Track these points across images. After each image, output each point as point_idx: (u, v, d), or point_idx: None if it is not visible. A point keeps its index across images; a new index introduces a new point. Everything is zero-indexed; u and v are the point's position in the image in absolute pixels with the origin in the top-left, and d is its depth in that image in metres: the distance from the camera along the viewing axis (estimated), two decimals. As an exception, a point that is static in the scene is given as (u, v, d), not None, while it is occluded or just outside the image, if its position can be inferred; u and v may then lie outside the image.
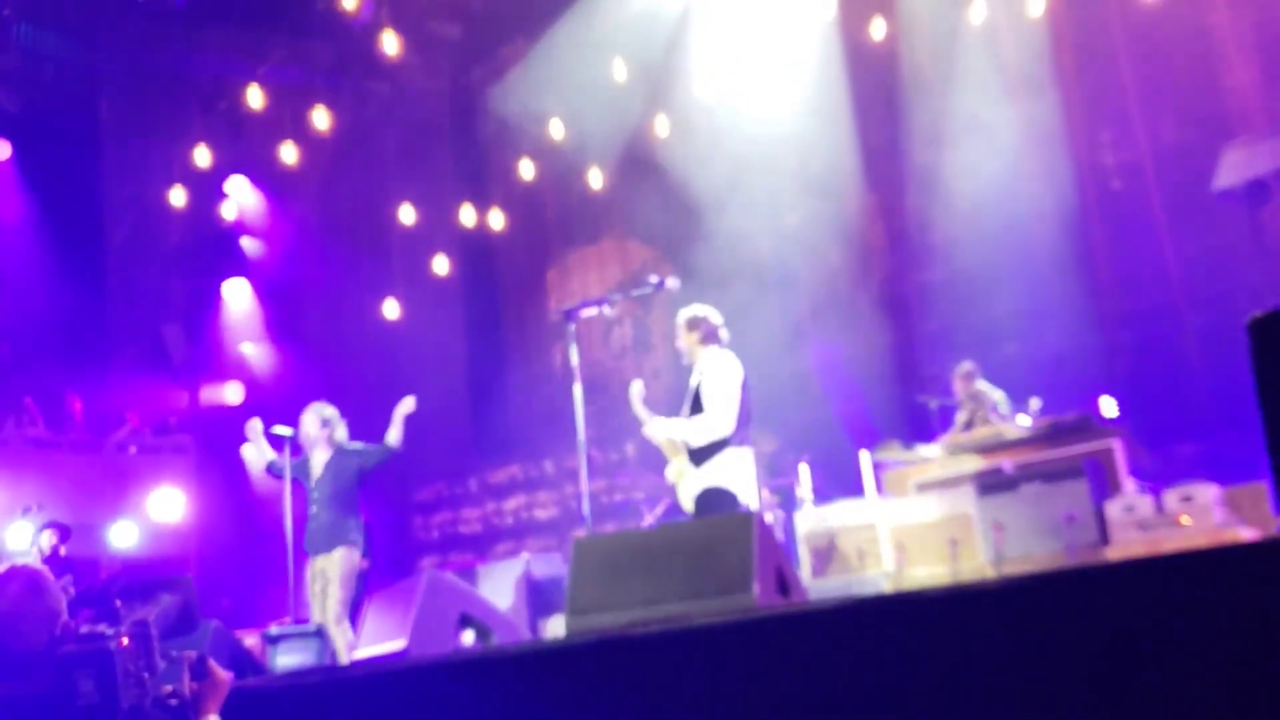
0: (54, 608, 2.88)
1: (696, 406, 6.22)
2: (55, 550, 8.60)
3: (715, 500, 6.04)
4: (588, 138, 12.75)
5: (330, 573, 7.35)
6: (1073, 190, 10.61)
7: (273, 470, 8.03)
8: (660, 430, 6.24)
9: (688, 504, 6.23)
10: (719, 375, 6.19)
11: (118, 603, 6.44)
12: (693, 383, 6.35)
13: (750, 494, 6.18)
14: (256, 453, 8.07)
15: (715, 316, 6.49)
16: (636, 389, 6.61)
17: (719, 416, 6.08)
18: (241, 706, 3.50)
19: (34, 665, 2.78)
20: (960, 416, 9.11)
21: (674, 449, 6.30)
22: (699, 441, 6.11)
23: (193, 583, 7.10)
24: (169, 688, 2.89)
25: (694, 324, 6.43)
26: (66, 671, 2.72)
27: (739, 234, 11.50)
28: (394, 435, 7.73)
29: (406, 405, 7.75)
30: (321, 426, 7.85)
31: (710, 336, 6.42)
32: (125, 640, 2.77)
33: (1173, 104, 10.40)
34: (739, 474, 6.14)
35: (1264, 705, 1.87)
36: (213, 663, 2.98)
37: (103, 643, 2.75)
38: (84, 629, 2.86)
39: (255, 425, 7.94)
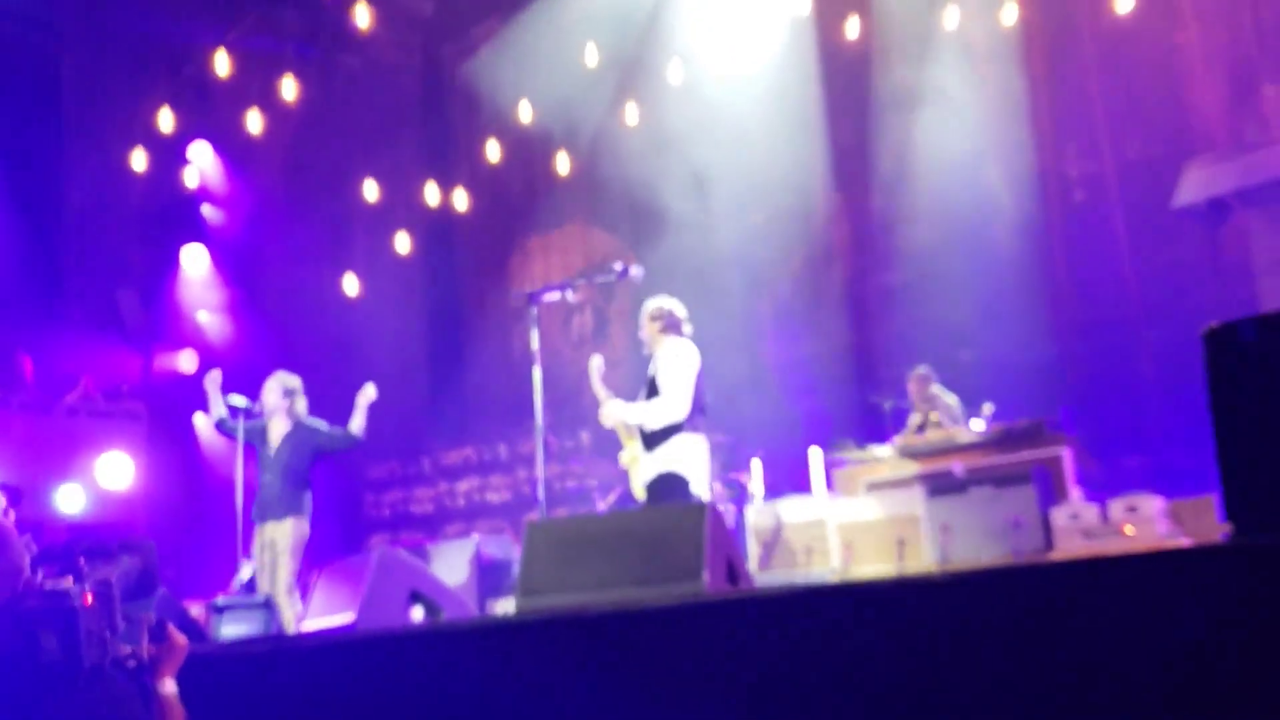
0: (16, 563, 2.87)
1: (653, 393, 6.28)
2: (4, 513, 8.50)
3: (668, 485, 6.09)
4: (556, 122, 12.71)
5: (280, 543, 7.33)
6: (1036, 200, 10.72)
7: (222, 428, 8.00)
8: (616, 412, 6.31)
9: (639, 489, 6.29)
10: (675, 361, 6.26)
11: (81, 561, 6.38)
12: (650, 371, 6.40)
13: (702, 481, 6.23)
14: (211, 406, 8.01)
15: (680, 310, 6.56)
16: (596, 364, 6.71)
17: (674, 401, 6.13)
18: (190, 672, 3.48)
19: None
20: (913, 419, 9.19)
21: (628, 433, 6.36)
22: (653, 425, 6.16)
23: (154, 547, 7.05)
24: (128, 649, 2.89)
25: (658, 314, 6.50)
26: (29, 627, 2.71)
27: (703, 227, 11.52)
28: (357, 423, 7.72)
29: (368, 393, 7.73)
30: (283, 396, 7.83)
31: (672, 327, 6.49)
32: (89, 598, 2.76)
33: (1138, 119, 10.52)
34: (692, 460, 6.19)
35: (1195, 701, 1.91)
36: (171, 626, 2.97)
37: (66, 600, 2.75)
38: (48, 585, 2.84)
39: (215, 377, 7.91)
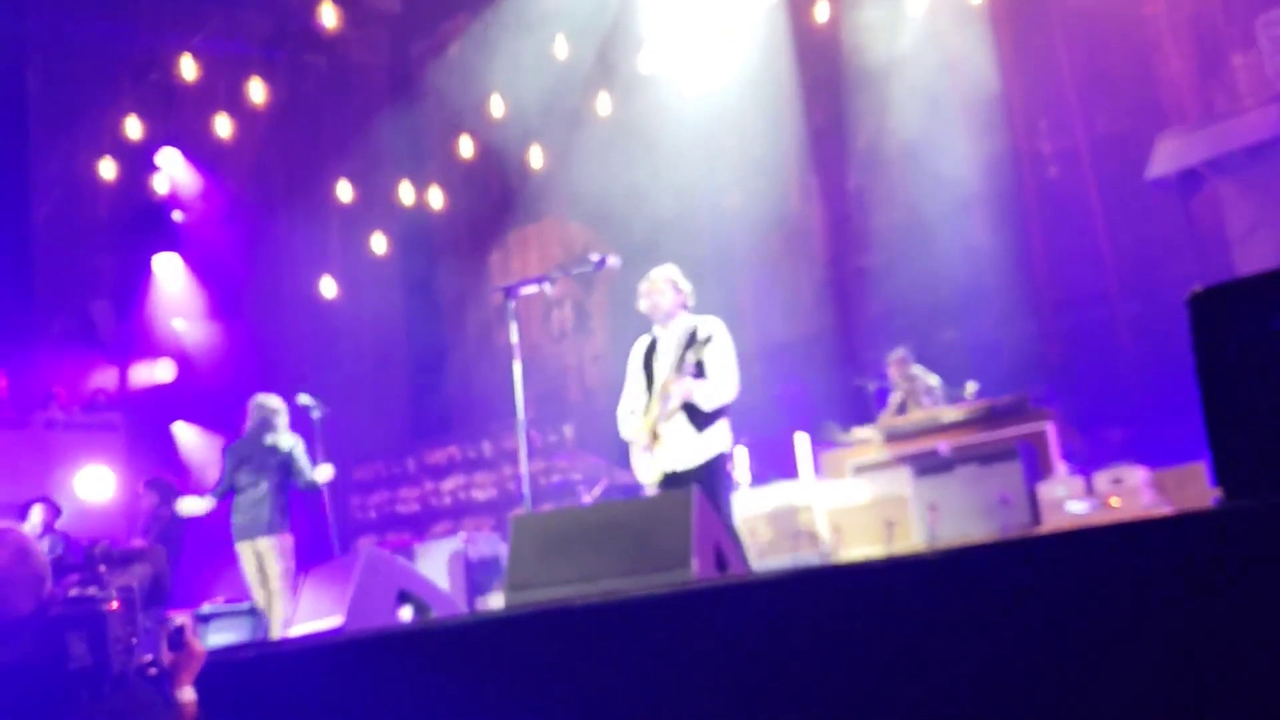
0: (40, 572, 2.88)
1: (691, 370, 6.03)
2: (49, 526, 8.90)
3: (720, 467, 5.99)
4: (528, 116, 12.66)
5: (266, 555, 7.32)
6: (1010, 177, 10.74)
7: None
8: (690, 387, 5.96)
9: (660, 471, 6.01)
10: (726, 341, 6.09)
11: (102, 568, 6.37)
12: (675, 345, 6.11)
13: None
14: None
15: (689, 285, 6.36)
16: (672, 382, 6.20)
17: (730, 381, 5.99)
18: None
19: (23, 630, 2.77)
20: (894, 399, 9.20)
21: (667, 414, 6.07)
22: (712, 404, 5.96)
23: (165, 553, 7.03)
24: (148, 657, 2.90)
25: (678, 285, 6.28)
26: (58, 634, 2.73)
27: (679, 213, 11.50)
28: (324, 474, 7.74)
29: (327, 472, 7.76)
30: (273, 415, 7.85)
31: (686, 304, 6.29)
32: (115, 604, 2.76)
33: (1109, 93, 10.56)
34: (731, 442, 6.14)
35: (1189, 669, 1.89)
36: (189, 634, 2.96)
37: (94, 605, 2.76)
38: (73, 592, 2.85)
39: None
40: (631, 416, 6.22)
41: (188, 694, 2.95)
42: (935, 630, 2.20)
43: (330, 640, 3.21)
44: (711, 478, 5.85)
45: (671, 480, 5.99)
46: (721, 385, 5.95)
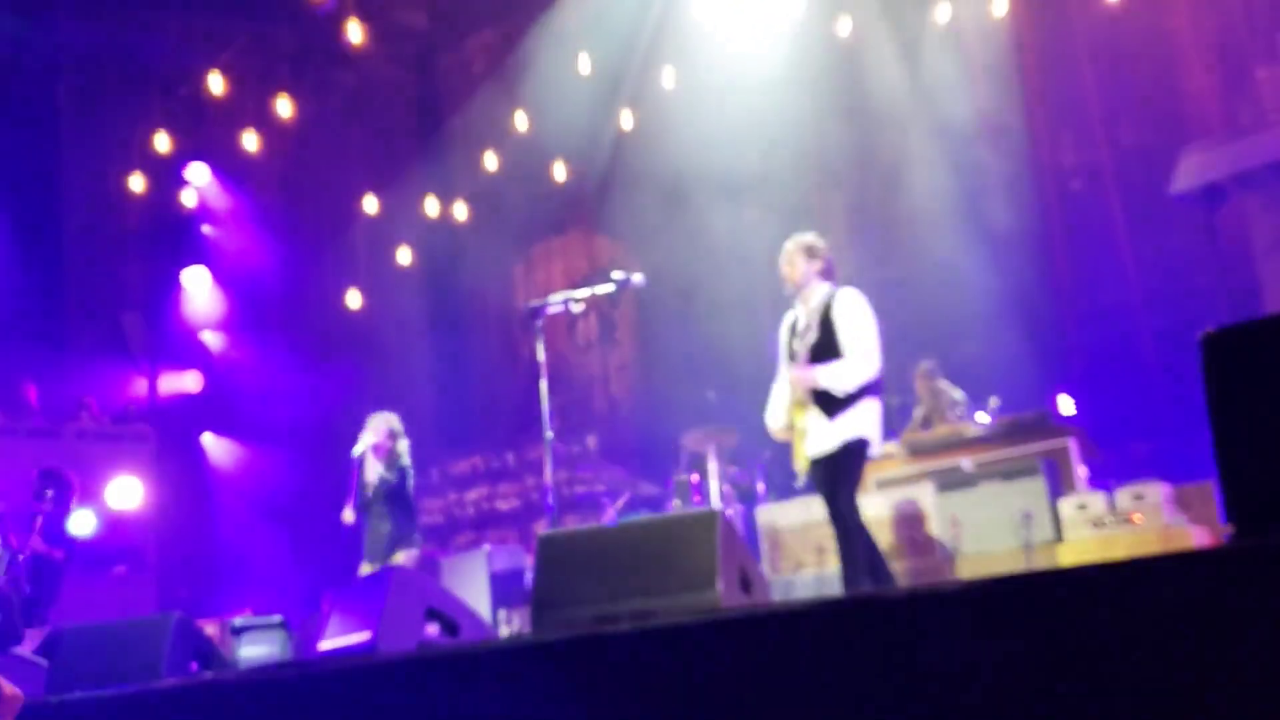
0: None
1: (824, 348, 5.62)
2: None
3: (857, 453, 5.52)
4: (552, 130, 12.75)
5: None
6: (1034, 190, 10.75)
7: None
8: (816, 376, 5.57)
9: (805, 461, 5.65)
10: (861, 312, 5.62)
11: None
12: (813, 322, 5.72)
13: (879, 443, 5.71)
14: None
15: (830, 251, 5.86)
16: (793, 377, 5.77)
17: (867, 357, 5.54)
18: (208, 700, 3.52)
19: None
20: (918, 413, 9.18)
21: (799, 404, 5.65)
22: (846, 387, 5.51)
23: (14, 600, 6.94)
24: None
25: (814, 251, 5.79)
26: None
27: (701, 227, 11.55)
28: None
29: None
30: (389, 438, 7.99)
31: (829, 273, 5.80)
32: None
33: (1132, 107, 10.57)
34: (874, 423, 5.63)
35: (1207, 710, 1.94)
36: (1, 679, 2.80)
37: None
38: None
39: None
40: (775, 405, 5.85)
41: None
42: (959, 661, 2.25)
43: (361, 659, 3.28)
44: (836, 466, 5.49)
45: (814, 470, 5.64)
46: (851, 365, 5.51)
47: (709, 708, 2.49)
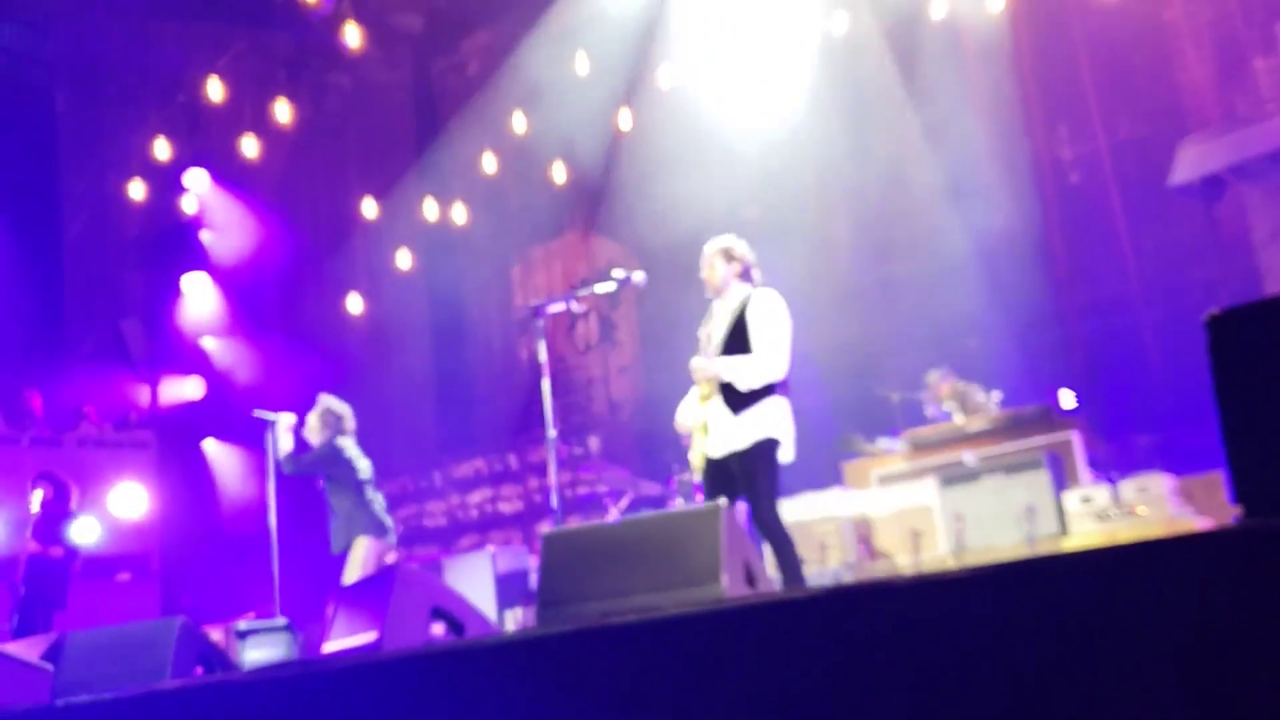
0: None
1: (735, 345, 5.63)
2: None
3: (767, 452, 5.49)
4: (550, 131, 12.75)
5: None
6: (1031, 184, 10.75)
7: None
8: (710, 367, 5.60)
9: (723, 450, 5.61)
10: (774, 313, 5.64)
11: None
12: (726, 319, 5.76)
13: (790, 447, 5.66)
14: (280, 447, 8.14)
15: (750, 254, 5.91)
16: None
17: (775, 357, 5.53)
18: (213, 701, 3.51)
19: None
20: (958, 420, 8.68)
21: (706, 398, 5.65)
22: (749, 383, 5.52)
23: None
24: None
25: (731, 255, 5.84)
26: None
27: (700, 226, 11.53)
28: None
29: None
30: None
31: (747, 274, 5.86)
32: None
33: (1130, 99, 10.57)
34: (784, 424, 5.60)
35: (1215, 695, 1.93)
36: None
37: None
38: None
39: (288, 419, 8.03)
40: (688, 403, 5.81)
41: None
42: (967, 649, 2.24)
43: (368, 658, 3.28)
44: (748, 470, 5.47)
45: (711, 468, 5.65)
46: (756, 361, 5.51)
47: (717, 698, 2.48)
